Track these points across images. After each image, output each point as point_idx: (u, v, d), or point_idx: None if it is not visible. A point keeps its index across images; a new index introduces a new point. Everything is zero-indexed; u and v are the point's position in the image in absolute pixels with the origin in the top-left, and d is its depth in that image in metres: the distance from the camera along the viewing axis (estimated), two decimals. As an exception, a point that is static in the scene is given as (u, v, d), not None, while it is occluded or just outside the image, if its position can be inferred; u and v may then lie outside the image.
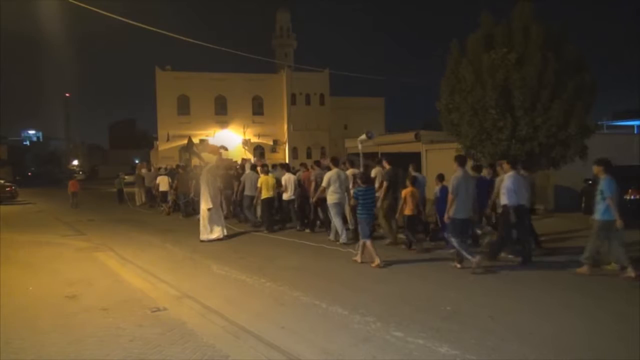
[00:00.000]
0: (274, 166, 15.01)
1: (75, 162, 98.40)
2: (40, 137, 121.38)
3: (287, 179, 12.52)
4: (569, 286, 6.83)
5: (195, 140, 43.05)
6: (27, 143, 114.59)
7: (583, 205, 14.07)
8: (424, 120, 46.94)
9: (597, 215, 7.47)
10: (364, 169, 11.08)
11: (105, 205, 23.70)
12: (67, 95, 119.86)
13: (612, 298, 6.25)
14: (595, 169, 7.66)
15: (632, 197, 11.08)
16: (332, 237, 10.75)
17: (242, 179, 13.92)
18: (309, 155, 44.59)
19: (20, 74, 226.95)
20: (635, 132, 26.63)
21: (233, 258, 9.13)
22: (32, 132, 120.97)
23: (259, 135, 45.32)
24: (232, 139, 44.49)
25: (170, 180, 17.96)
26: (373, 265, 8.08)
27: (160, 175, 19.27)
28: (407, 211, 9.23)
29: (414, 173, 10.26)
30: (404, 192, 9.37)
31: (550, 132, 12.75)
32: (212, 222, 11.26)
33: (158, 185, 18.57)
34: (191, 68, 47.10)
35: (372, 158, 24.47)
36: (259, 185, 12.57)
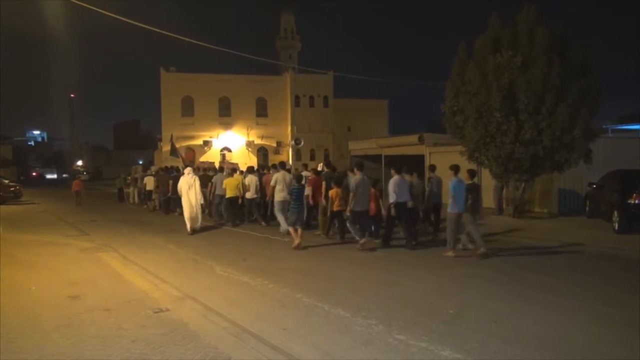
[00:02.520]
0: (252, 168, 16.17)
1: (80, 163, 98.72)
2: (45, 138, 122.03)
3: (250, 180, 14.04)
4: (573, 290, 6.80)
5: (199, 141, 43.32)
6: (32, 143, 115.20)
7: (587, 208, 14.00)
8: (428, 123, 46.95)
9: (449, 209, 9.22)
10: (313, 172, 12.71)
11: (108, 205, 23.82)
12: (72, 95, 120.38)
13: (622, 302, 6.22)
14: (449, 173, 9.56)
15: (636, 201, 11.00)
16: (282, 230, 11.95)
17: (213, 180, 15.38)
18: (312, 157, 44.58)
19: (25, 74, 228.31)
20: (640, 135, 26.46)
21: (235, 259, 9.13)
22: (36, 132, 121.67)
23: (262, 137, 45.32)
24: (235, 140, 44.54)
25: (155, 181, 19.28)
26: (293, 246, 10.07)
27: (147, 176, 20.80)
28: (335, 207, 10.80)
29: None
30: (330, 192, 10.90)
31: (555, 136, 12.70)
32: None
33: (145, 185, 20.11)
34: (195, 69, 47.23)
35: (375, 160, 24.53)
36: (223, 186, 14.19)
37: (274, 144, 45.56)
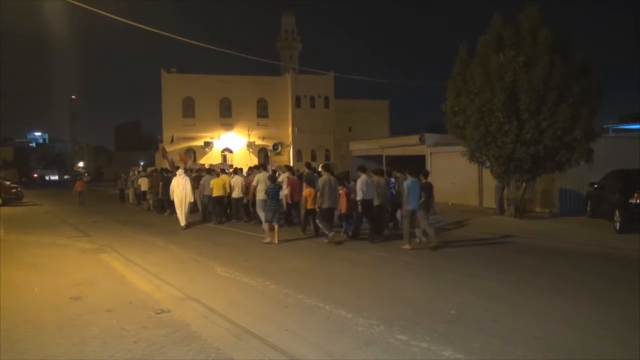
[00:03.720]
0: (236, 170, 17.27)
1: (81, 164, 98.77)
2: (46, 139, 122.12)
3: (235, 181, 14.95)
4: (574, 290, 6.80)
5: (200, 142, 43.36)
6: (33, 145, 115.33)
7: (588, 208, 13.98)
8: (430, 123, 46.85)
9: (404, 206, 10.30)
10: (290, 173, 13.72)
11: (109, 206, 23.95)
12: (73, 97, 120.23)
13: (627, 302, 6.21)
14: (407, 173, 10.60)
15: (638, 201, 10.99)
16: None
17: (202, 181, 16.26)
18: (313, 158, 44.56)
19: (26, 76, 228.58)
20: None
21: (237, 260, 9.14)
22: (37, 133, 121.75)
23: (263, 138, 45.33)
24: (236, 141, 44.54)
25: (149, 182, 20.27)
26: (265, 241, 10.94)
27: (141, 177, 22.09)
28: (308, 205, 11.75)
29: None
30: (305, 192, 11.88)
31: (556, 136, 12.70)
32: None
33: (140, 186, 21.24)
34: (196, 70, 47.24)
35: (376, 161, 24.52)
36: (210, 186, 15.02)
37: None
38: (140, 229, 14.14)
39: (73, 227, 14.82)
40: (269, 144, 45.44)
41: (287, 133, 45.78)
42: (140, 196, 21.79)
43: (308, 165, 13.84)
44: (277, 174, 13.70)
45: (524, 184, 14.28)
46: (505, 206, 15.18)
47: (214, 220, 15.12)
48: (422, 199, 10.12)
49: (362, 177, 11.07)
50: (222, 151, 44.06)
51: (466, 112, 13.88)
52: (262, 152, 45.37)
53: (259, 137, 45.12)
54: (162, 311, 5.86)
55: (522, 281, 7.34)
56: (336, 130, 46.18)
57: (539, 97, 12.62)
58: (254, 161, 39.26)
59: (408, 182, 10.19)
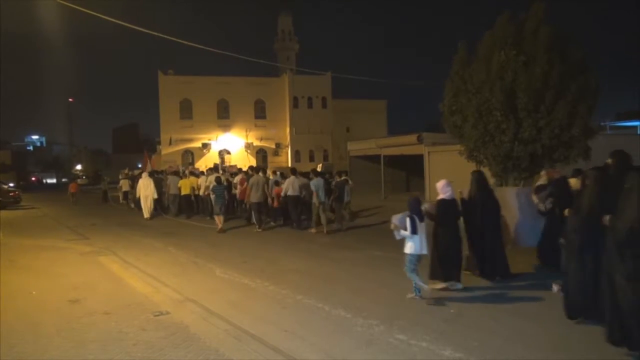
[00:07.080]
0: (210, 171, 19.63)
1: (79, 167, 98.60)
2: (44, 142, 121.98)
3: (201, 181, 16.98)
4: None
5: (198, 144, 43.37)
6: (31, 148, 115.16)
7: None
8: (428, 122, 46.92)
9: (313, 200, 12.66)
10: (243, 174, 16.24)
11: (106, 208, 23.86)
12: (70, 100, 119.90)
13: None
14: (313, 175, 13.18)
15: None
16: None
17: (167, 182, 18.55)
18: (311, 159, 44.59)
19: (24, 79, 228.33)
20: (639, 132, 26.50)
21: (236, 262, 9.14)
22: (35, 137, 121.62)
23: (261, 139, 45.35)
24: (234, 142, 44.53)
25: (131, 183, 22.58)
26: (217, 230, 13.19)
27: (123, 179, 24.10)
28: (253, 199, 13.69)
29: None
30: (247, 189, 14.02)
31: (554, 134, 12.70)
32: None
33: (122, 187, 23.54)
34: (194, 72, 47.23)
35: (374, 160, 24.50)
36: (178, 185, 17.49)
37: (273, 146, 45.59)
38: (138, 231, 14.11)
39: (71, 230, 14.78)
40: (267, 144, 45.46)
41: (285, 134, 45.79)
42: (123, 196, 24.01)
43: (251, 168, 16.76)
44: (231, 176, 16.69)
45: (522, 182, 14.28)
46: (504, 205, 15.16)
47: (183, 215, 17.35)
48: (336, 193, 12.65)
49: (290, 178, 13.60)
50: (220, 152, 44.10)
51: (464, 111, 13.87)
52: (260, 153, 45.38)
53: (256, 138, 45.13)
54: (161, 313, 5.86)
55: (524, 279, 7.34)
56: (334, 130, 46.22)
57: (537, 96, 12.61)
58: (252, 162, 39.31)
59: (314, 181, 12.61)
